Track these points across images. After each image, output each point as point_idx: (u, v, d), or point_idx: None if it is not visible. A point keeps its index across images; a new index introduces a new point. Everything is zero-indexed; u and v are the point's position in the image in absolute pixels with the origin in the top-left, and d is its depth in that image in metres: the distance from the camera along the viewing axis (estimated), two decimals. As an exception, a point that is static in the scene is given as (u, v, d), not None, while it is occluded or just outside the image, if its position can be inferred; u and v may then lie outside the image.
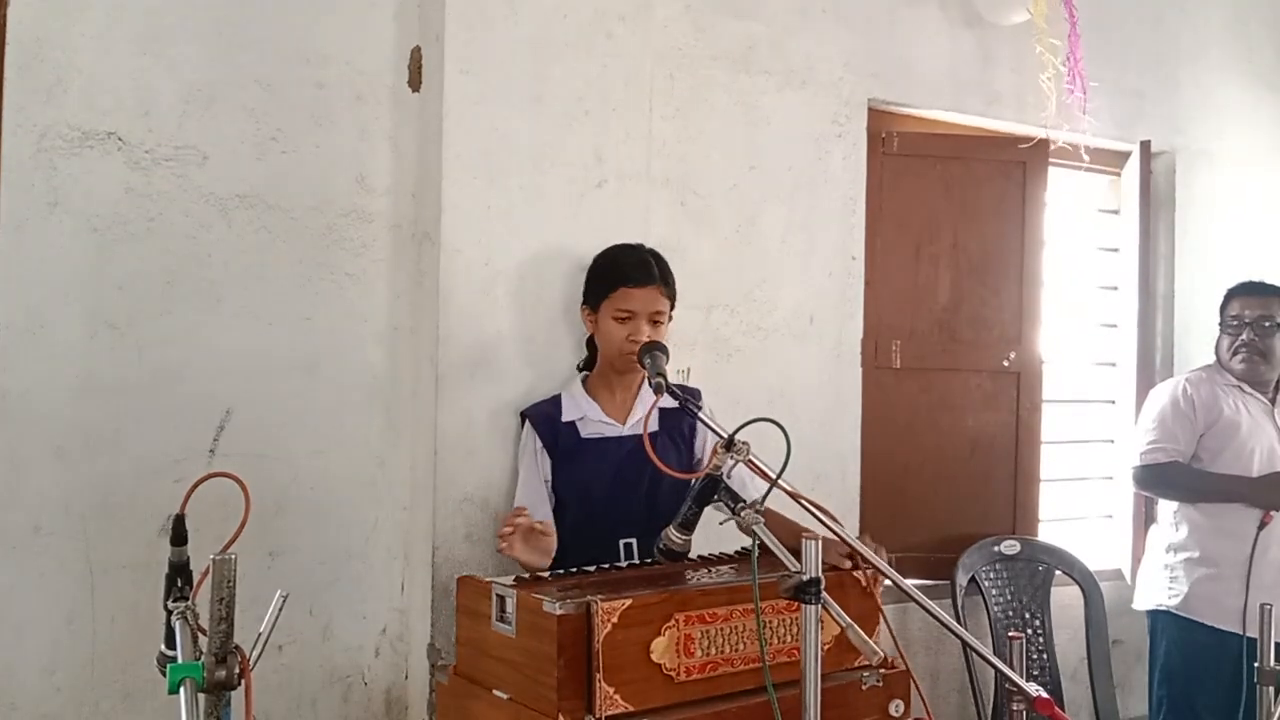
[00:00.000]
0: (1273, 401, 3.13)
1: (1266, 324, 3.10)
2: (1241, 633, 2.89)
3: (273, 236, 2.47)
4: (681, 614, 1.81)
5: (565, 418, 2.37)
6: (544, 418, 2.38)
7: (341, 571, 2.55)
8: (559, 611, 1.73)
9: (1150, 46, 3.85)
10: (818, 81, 3.19)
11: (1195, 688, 3.01)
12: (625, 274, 2.32)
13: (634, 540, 2.26)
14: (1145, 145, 3.77)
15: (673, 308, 2.37)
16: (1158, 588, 3.14)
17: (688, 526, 1.84)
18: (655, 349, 2.20)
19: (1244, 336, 3.12)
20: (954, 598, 3.33)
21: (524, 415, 2.43)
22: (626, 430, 2.35)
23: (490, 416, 2.52)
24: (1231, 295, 3.21)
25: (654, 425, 2.29)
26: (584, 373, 2.48)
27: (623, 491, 2.31)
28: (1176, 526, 3.12)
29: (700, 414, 2.07)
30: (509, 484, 2.50)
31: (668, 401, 2.14)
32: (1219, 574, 3.00)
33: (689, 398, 2.13)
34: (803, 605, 1.56)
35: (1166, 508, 3.19)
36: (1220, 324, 3.21)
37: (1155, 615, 3.16)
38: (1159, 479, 3.13)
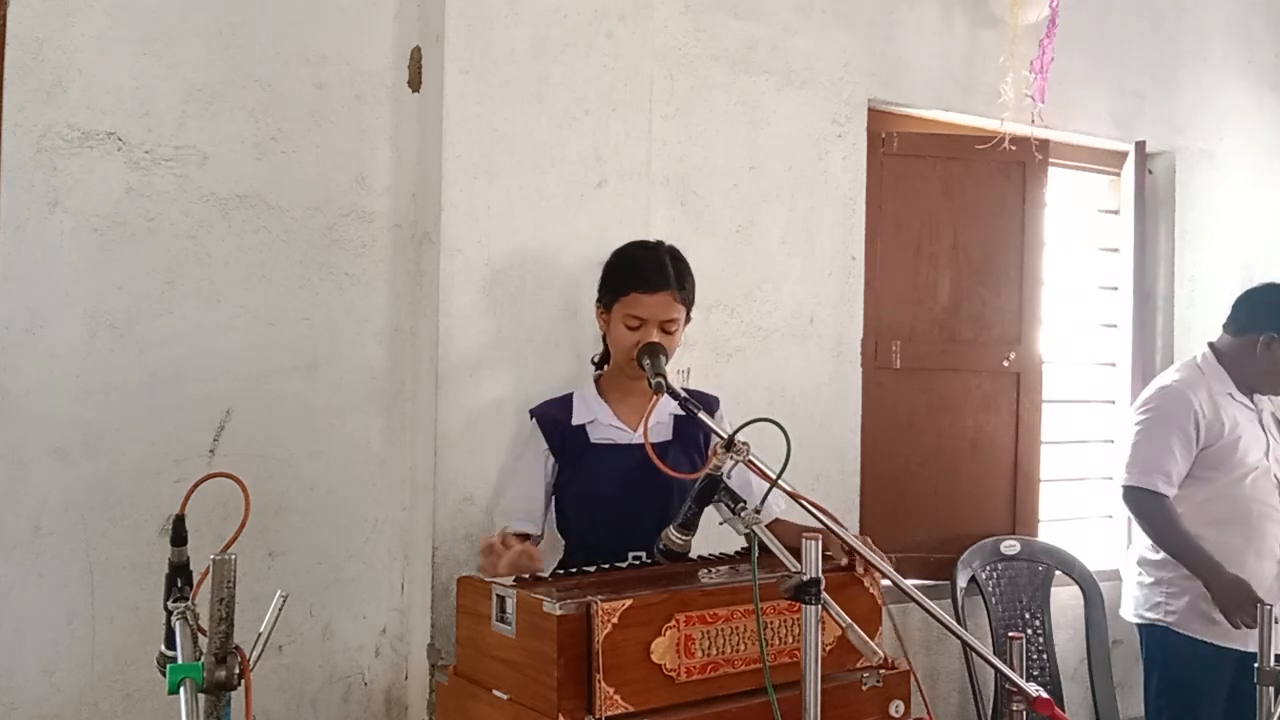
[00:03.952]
0: (1253, 405, 3.02)
1: None
2: (1243, 648, 2.80)
3: (273, 236, 2.47)
4: (682, 614, 1.80)
5: (575, 420, 2.28)
6: (552, 422, 2.30)
7: (341, 571, 2.55)
8: (559, 612, 1.72)
9: (1150, 46, 3.85)
10: (817, 82, 3.19)
11: (1197, 698, 2.95)
12: (639, 278, 2.22)
13: (642, 554, 2.17)
14: (1140, 146, 3.78)
15: (689, 312, 2.29)
16: (1150, 603, 3.01)
17: (688, 526, 1.83)
18: (654, 349, 2.15)
19: None
20: (954, 598, 3.34)
21: (533, 414, 2.35)
22: (638, 438, 2.21)
23: (490, 417, 2.52)
24: None
25: (667, 434, 2.28)
26: (598, 371, 2.40)
27: (632, 503, 2.22)
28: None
29: (700, 414, 2.00)
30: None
31: (679, 408, 2.10)
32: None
33: (691, 399, 2.05)
34: (803, 606, 1.57)
35: None
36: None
37: (1150, 629, 3.03)
38: (1143, 510, 2.94)
